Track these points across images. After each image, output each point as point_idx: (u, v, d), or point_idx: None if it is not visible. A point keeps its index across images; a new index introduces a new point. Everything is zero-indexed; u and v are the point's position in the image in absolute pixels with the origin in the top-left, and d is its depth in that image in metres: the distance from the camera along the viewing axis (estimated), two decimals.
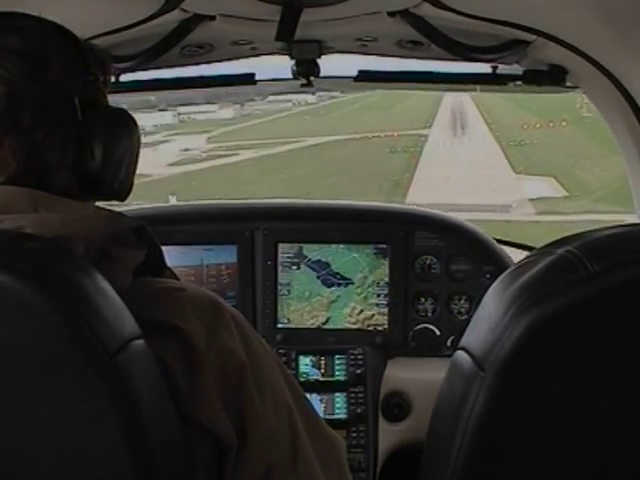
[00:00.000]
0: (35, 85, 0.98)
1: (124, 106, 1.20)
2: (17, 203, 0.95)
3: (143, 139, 1.17)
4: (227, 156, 29.65)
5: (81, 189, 1.04)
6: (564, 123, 31.59)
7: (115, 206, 1.12)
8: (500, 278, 0.84)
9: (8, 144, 0.97)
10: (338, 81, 2.14)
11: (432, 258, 2.33)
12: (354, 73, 2.05)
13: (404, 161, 26.16)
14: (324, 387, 2.21)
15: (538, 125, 31.83)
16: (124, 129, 1.08)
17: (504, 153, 27.07)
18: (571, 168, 23.04)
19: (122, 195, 1.11)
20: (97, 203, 1.11)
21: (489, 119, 36.97)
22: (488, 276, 2.27)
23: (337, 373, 2.22)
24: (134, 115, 1.11)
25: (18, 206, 0.94)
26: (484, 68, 1.93)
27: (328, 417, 2.15)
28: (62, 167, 1.01)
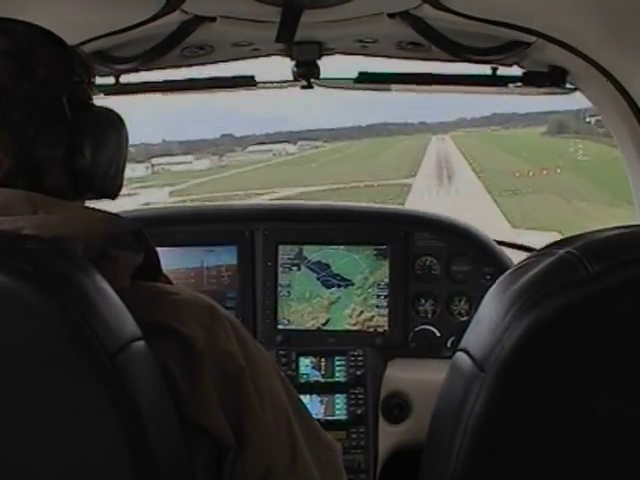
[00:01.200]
0: (24, 84, 0.99)
1: None
2: (16, 205, 0.95)
3: None
4: None
5: (73, 186, 1.05)
6: (558, 170, 29.35)
7: None
8: (500, 279, 0.84)
9: None
10: (338, 82, 2.14)
11: (432, 259, 2.32)
12: (354, 75, 2.06)
13: None
14: (324, 388, 2.20)
15: (531, 173, 29.43)
16: (112, 126, 1.10)
17: (497, 205, 24.29)
18: (577, 220, 19.98)
19: (113, 192, 1.12)
20: (89, 203, 1.12)
21: (477, 167, 34.18)
22: (488, 277, 2.27)
23: (337, 374, 2.22)
24: None
25: (17, 208, 0.95)
26: (484, 69, 1.93)
27: (328, 418, 2.15)
28: (54, 164, 1.02)
